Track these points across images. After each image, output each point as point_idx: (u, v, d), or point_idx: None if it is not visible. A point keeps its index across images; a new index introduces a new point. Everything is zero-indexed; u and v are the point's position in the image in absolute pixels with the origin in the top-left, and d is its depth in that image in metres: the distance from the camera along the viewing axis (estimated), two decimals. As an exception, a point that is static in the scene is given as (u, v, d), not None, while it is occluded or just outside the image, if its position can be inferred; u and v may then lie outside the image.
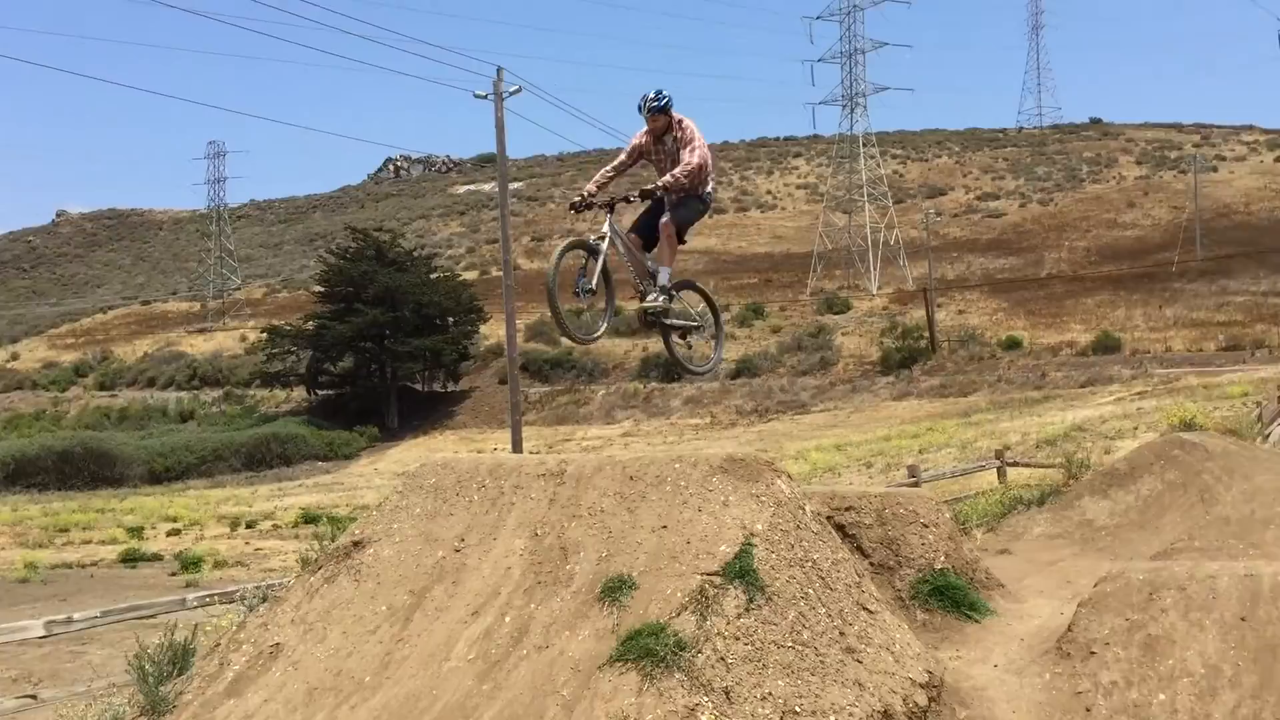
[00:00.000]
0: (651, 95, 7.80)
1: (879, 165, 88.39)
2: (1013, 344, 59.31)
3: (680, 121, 7.84)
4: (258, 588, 7.13)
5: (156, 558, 27.44)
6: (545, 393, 61.81)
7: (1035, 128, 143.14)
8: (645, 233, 8.05)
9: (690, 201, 8.03)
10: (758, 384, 60.07)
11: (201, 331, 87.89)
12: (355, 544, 6.83)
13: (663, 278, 8.02)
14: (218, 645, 6.62)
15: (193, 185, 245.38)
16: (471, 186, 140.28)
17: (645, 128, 7.87)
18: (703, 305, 8.76)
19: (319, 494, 43.56)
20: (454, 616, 5.96)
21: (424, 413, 62.60)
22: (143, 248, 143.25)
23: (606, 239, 7.67)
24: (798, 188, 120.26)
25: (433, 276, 65.53)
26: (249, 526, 33.36)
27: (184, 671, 6.44)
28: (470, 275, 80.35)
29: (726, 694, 4.95)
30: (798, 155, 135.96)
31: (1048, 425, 33.27)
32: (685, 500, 6.00)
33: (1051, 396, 47.27)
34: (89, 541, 31.32)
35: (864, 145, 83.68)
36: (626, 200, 7.87)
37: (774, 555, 5.65)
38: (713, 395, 59.46)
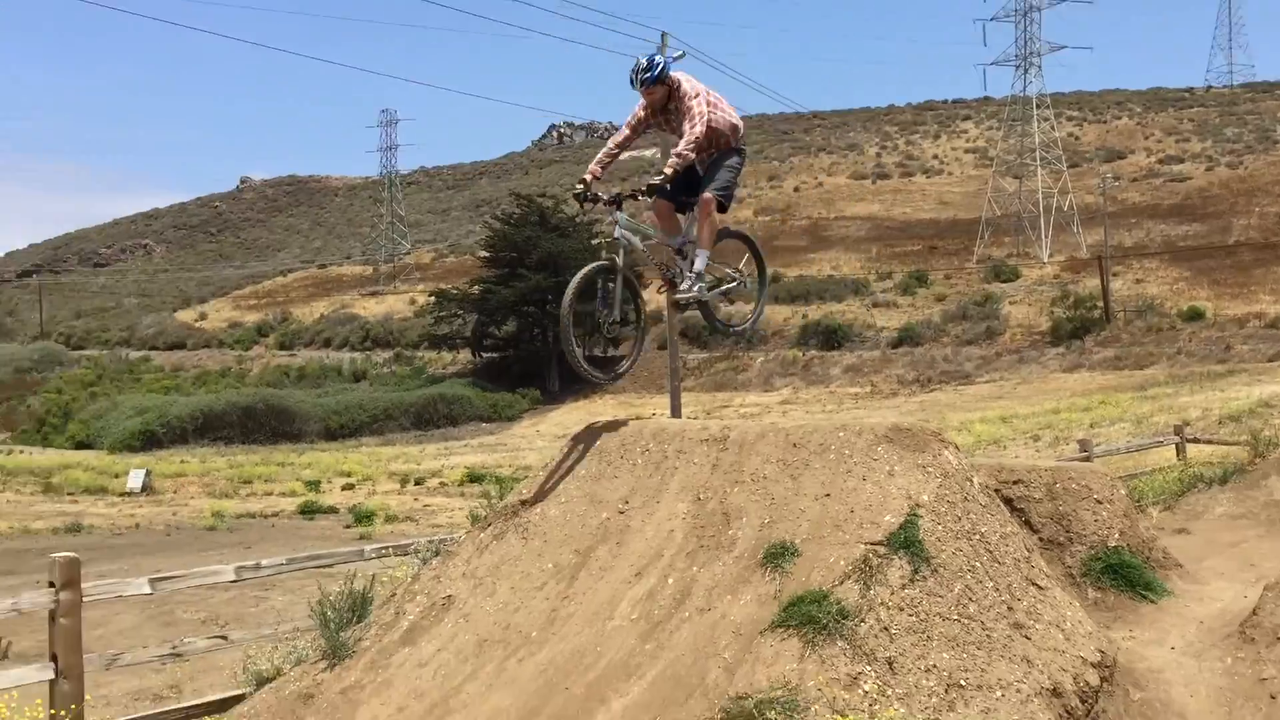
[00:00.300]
0: (643, 64, 7.03)
1: (1053, 128, 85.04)
2: (1194, 315, 56.49)
3: (679, 87, 7.09)
4: (430, 542, 7.41)
5: (332, 510, 28.71)
6: (703, 359, 61.99)
7: (1225, 86, 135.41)
8: (679, 196, 7.35)
9: (725, 159, 7.30)
10: (920, 353, 58.89)
11: (373, 294, 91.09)
12: (523, 503, 7.03)
13: (699, 262, 7.29)
14: (393, 595, 6.91)
15: (366, 152, 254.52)
16: (633, 153, 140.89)
17: (642, 100, 7.16)
18: (746, 256, 8.07)
19: (483, 454, 44.80)
20: (618, 576, 6.08)
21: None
22: (320, 213, 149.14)
23: (622, 250, 6.95)
24: (966, 152, 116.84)
25: (594, 242, 65.82)
26: (417, 483, 34.55)
27: (362, 619, 6.75)
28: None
29: (890, 664, 4.92)
30: (966, 118, 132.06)
31: (1232, 400, 31.64)
32: (849, 469, 5.96)
33: (1236, 370, 44.93)
34: (270, 493, 32.99)
35: (1038, 107, 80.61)
36: (634, 197, 7.20)
37: (940, 527, 5.58)
38: (873, 364, 58.61)
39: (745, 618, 5.32)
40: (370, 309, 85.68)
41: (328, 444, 50.94)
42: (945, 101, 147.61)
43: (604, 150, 7.29)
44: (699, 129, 6.91)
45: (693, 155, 6.97)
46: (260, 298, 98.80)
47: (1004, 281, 68.51)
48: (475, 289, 65.15)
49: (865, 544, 5.44)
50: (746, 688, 4.86)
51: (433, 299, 69.32)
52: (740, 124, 7.44)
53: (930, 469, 5.90)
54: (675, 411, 28.88)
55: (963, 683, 4.97)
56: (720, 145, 7.27)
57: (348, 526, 25.16)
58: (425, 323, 71.74)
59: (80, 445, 49.97)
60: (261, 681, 6.58)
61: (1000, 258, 74.79)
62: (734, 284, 7.78)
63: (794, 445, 6.28)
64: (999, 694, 4.98)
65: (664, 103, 7.12)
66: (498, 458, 42.13)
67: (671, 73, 7.07)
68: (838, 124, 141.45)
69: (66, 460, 42.37)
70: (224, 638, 7.61)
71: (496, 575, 6.63)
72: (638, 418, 7.53)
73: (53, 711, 5.98)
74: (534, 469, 7.10)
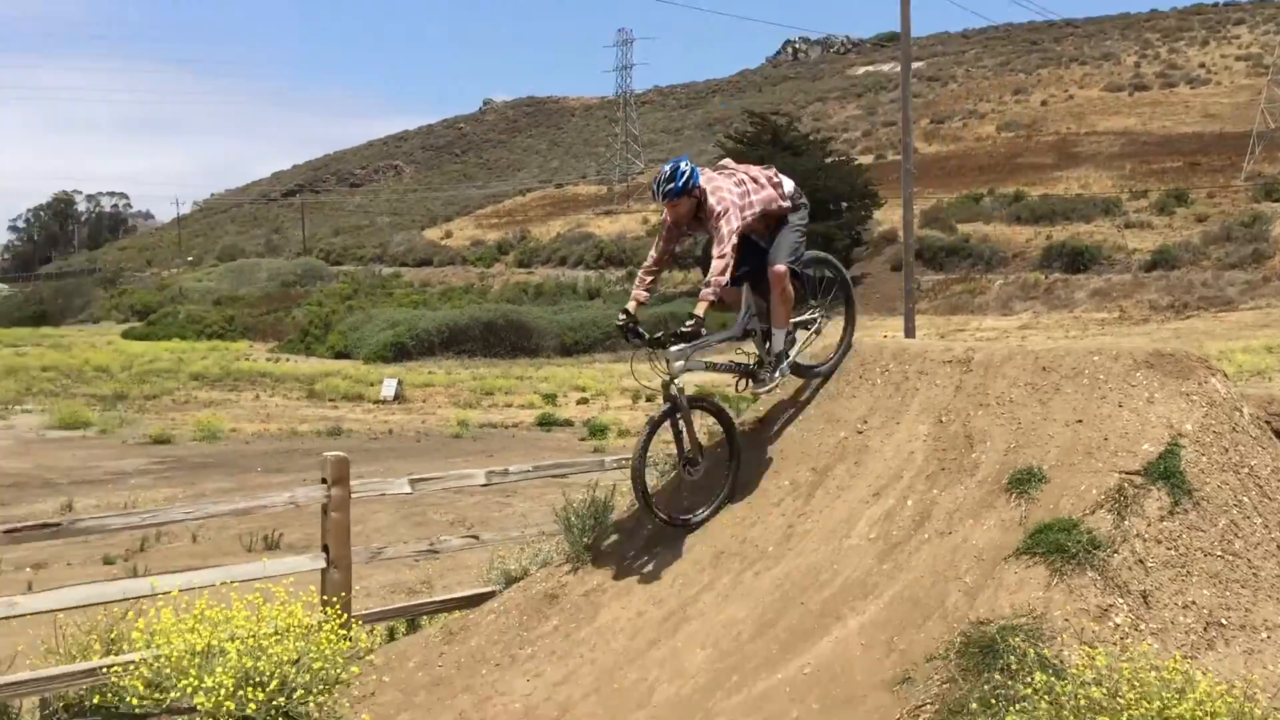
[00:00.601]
0: (666, 174, 6.36)
1: (1342, 30, 77.02)
2: None
3: (705, 200, 6.34)
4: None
5: (567, 423, 29.65)
6: (939, 281, 60.11)
7: None
8: (751, 276, 6.65)
9: (789, 221, 6.57)
10: (1176, 277, 55.19)
11: (608, 213, 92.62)
12: (760, 421, 7.08)
13: (778, 342, 6.62)
14: (634, 505, 7.11)
15: (602, 73, 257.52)
16: (870, 68, 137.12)
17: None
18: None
19: (711, 373, 45.09)
20: (855, 496, 6.06)
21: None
22: (557, 133, 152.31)
23: (677, 388, 6.39)
24: (1237, 59, 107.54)
25: (828, 161, 65.08)
26: (648, 400, 35.17)
27: (602, 526, 6.99)
28: (865, 159, 78.99)
29: (1144, 598, 4.72)
30: (1239, 22, 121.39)
31: None
32: (1104, 395, 5.69)
33: None
34: (510, 405, 34.35)
35: (1324, 7, 73.15)
36: (676, 338, 6.40)
37: (1204, 458, 5.27)
38: (1123, 288, 55.41)
39: (987, 543, 5.22)
40: (604, 228, 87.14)
41: (563, 359, 52.44)
42: (1215, 4, 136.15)
43: (643, 269, 6.83)
44: (726, 249, 6.24)
45: (725, 280, 6.30)
46: (500, 216, 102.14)
47: (1276, 201, 63.10)
48: (708, 208, 65.20)
49: (1120, 473, 5.21)
50: (988, 613, 4.78)
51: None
52: (788, 195, 6.68)
53: (1194, 397, 5.57)
54: (909, 334, 28.28)
55: (1224, 621, 4.73)
56: (774, 221, 6.63)
57: (582, 439, 25.94)
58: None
59: (339, 355, 53.28)
60: (510, 581, 6.93)
61: (1273, 175, 68.85)
62: (815, 328, 7.05)
63: (1043, 369, 6.05)
64: (1264, 635, 4.71)
65: (693, 212, 6.45)
66: (727, 376, 42.33)
67: (700, 182, 6.38)
68: (1092, 32, 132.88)
69: (327, 368, 45.41)
70: (475, 538, 8.05)
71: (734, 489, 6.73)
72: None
73: (324, 598, 6.48)
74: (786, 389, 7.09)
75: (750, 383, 6.79)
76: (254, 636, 5.81)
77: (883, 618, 5.10)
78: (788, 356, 6.73)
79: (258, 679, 5.59)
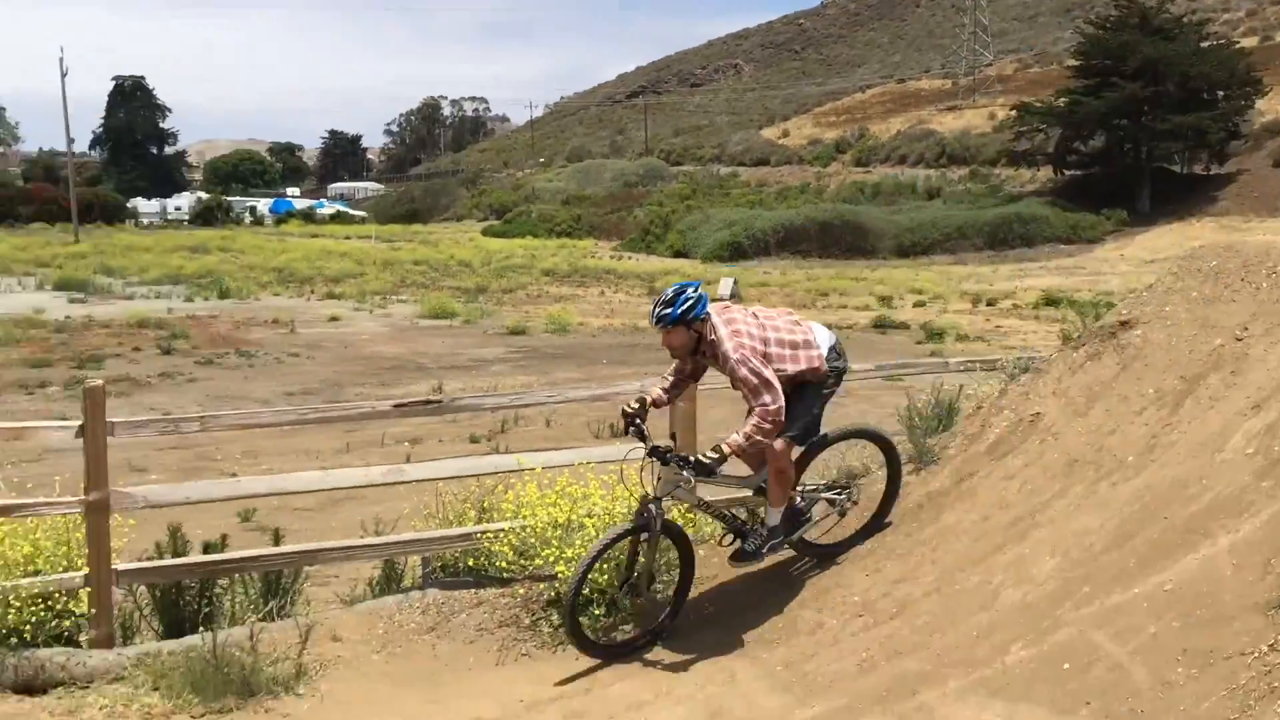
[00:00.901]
0: (666, 298, 5.63)
1: None
2: None
3: (719, 346, 5.62)
4: (1019, 359, 7.29)
5: (903, 326, 29.08)
6: (1331, 178, 53.64)
7: None
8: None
9: (810, 384, 5.87)
10: None
11: (951, 109, 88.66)
12: (1122, 324, 6.67)
13: (772, 517, 5.94)
14: (979, 408, 6.94)
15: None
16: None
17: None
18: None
19: (1059, 277, 42.76)
20: (1231, 408, 5.62)
21: (1179, 197, 57.66)
22: (901, 26, 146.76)
23: (661, 514, 5.68)
24: None
25: (1204, 45, 58.93)
26: (989, 304, 33.92)
27: (947, 429, 6.88)
28: (1249, 42, 70.93)
29: None
30: None
31: None
32: None
33: None
34: (845, 306, 34.08)
35: None
36: (683, 462, 5.64)
37: None
38: None
39: (1390, 465, 4.71)
40: (947, 124, 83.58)
41: (899, 261, 51.26)
42: None
43: (669, 372, 6.06)
44: (769, 418, 5.54)
45: (762, 444, 5.65)
46: (839, 114, 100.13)
47: None
48: (1061, 101, 61.00)
49: None
50: (1387, 541, 4.34)
51: (1013, 113, 66.03)
52: (822, 352, 5.94)
53: None
54: (1294, 237, 25.50)
55: None
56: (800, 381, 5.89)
57: (919, 343, 25.39)
58: (1004, 138, 68.82)
59: (677, 254, 54.62)
60: (852, 476, 6.98)
61: None
62: (839, 507, 6.35)
63: None
64: None
65: (692, 346, 5.76)
66: (1075, 281, 40.03)
67: (710, 313, 5.71)
68: None
69: (666, 267, 46.75)
70: (811, 434, 8.10)
71: (1089, 396, 6.42)
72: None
73: (671, 480, 6.77)
74: (1140, 290, 6.66)
75: (736, 541, 6.07)
76: (609, 514, 6.20)
77: (1259, 537, 4.74)
78: (787, 535, 6.04)
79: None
